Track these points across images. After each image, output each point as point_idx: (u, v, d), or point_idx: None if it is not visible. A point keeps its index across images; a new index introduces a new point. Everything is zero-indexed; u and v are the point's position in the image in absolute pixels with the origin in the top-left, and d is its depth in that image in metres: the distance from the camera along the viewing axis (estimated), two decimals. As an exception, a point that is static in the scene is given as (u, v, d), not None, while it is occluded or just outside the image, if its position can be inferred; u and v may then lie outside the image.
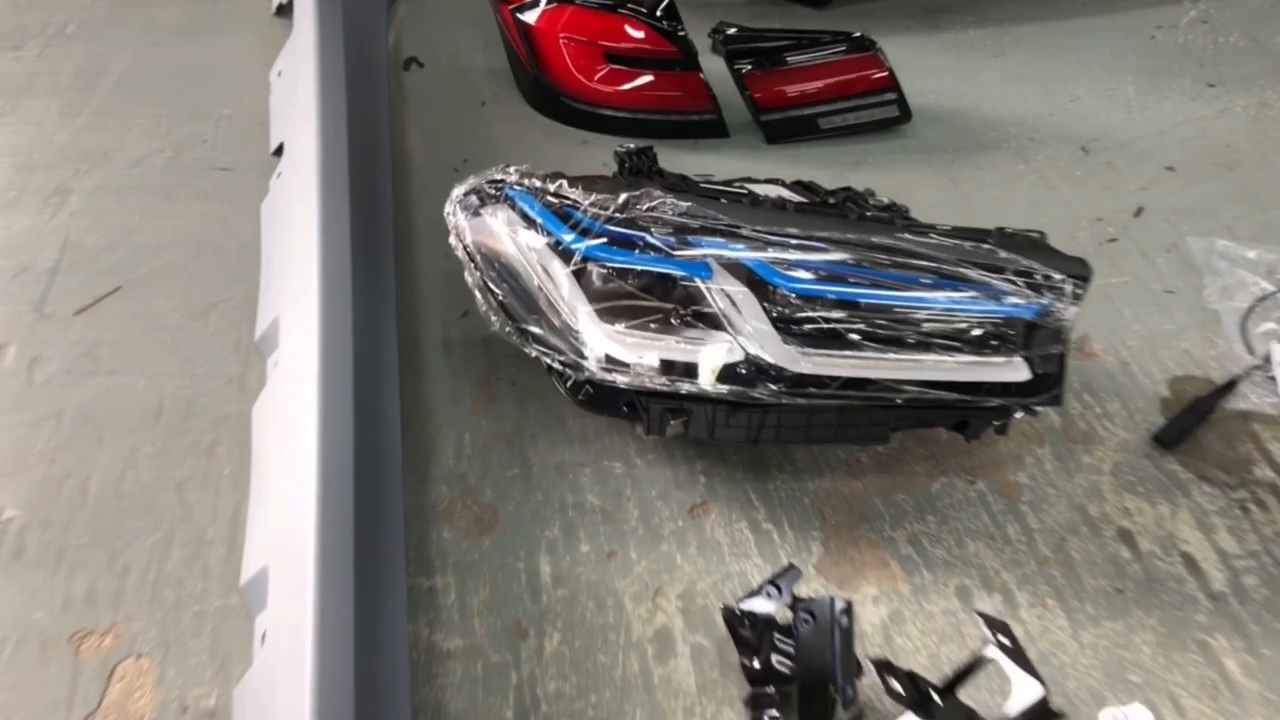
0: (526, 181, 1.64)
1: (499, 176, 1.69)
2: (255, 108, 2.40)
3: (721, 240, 1.51)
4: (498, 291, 1.59)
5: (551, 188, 1.61)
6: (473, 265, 1.66)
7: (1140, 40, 2.74)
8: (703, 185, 1.69)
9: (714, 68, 2.40)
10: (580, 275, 1.52)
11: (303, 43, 2.22)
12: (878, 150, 2.38)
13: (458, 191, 1.73)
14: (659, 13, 2.31)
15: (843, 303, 1.45)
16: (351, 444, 1.46)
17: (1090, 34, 2.77)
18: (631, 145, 1.76)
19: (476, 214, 1.67)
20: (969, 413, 1.58)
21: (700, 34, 2.42)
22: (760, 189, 1.73)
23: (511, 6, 2.41)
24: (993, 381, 1.52)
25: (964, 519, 1.62)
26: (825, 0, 2.82)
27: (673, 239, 1.50)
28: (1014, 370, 1.51)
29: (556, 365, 1.55)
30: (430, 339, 1.89)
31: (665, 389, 1.45)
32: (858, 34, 2.33)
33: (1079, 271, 1.47)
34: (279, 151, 2.22)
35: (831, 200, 1.64)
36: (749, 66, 2.32)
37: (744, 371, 1.46)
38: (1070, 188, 2.27)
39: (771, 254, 1.49)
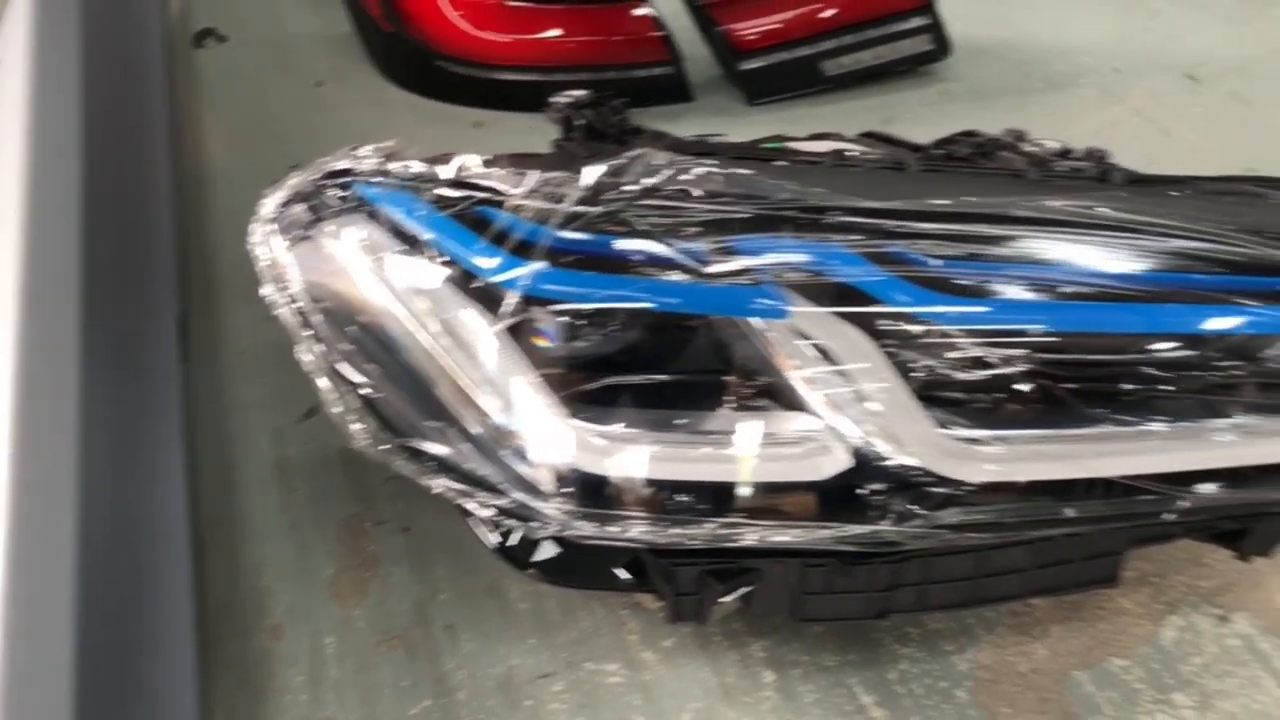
0: (396, 169, 0.87)
1: (342, 165, 0.93)
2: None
3: (797, 239, 0.76)
4: (359, 378, 0.93)
5: (446, 171, 0.85)
6: (309, 332, 0.87)
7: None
8: (725, 146, 0.95)
9: (663, 4, 1.69)
10: (520, 332, 0.88)
11: (14, 14, 1.58)
12: (912, 101, 1.74)
13: (271, 202, 1.02)
14: None
15: (1055, 336, 0.85)
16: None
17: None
18: (581, 93, 1.01)
19: (306, 238, 0.98)
20: (1263, 515, 0.86)
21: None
22: (811, 147, 1.00)
23: None
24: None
25: (1236, 693, 1.06)
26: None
27: (701, 245, 0.76)
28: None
29: (484, 513, 0.76)
30: (253, 465, 1.31)
31: (706, 543, 0.86)
32: None
33: None
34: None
35: (957, 152, 0.91)
36: None
37: (866, 492, 0.85)
38: (1192, 130, 1.67)
39: (898, 252, 0.76)
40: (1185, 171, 1.59)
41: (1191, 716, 1.04)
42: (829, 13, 1.67)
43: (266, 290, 1.08)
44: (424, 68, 1.71)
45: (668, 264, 0.86)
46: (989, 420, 0.85)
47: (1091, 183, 0.89)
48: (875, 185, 0.87)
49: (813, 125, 1.70)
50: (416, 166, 0.96)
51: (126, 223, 1.43)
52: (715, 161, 0.88)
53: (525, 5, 1.62)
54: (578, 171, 0.90)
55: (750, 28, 1.66)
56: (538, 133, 1.72)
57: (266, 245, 1.07)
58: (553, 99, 1.10)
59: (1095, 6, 1.98)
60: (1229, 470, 0.86)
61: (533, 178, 0.89)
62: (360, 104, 1.78)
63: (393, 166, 0.99)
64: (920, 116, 1.72)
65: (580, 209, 0.86)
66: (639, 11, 1.63)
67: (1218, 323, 0.82)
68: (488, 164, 0.95)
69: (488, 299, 0.90)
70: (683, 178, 0.86)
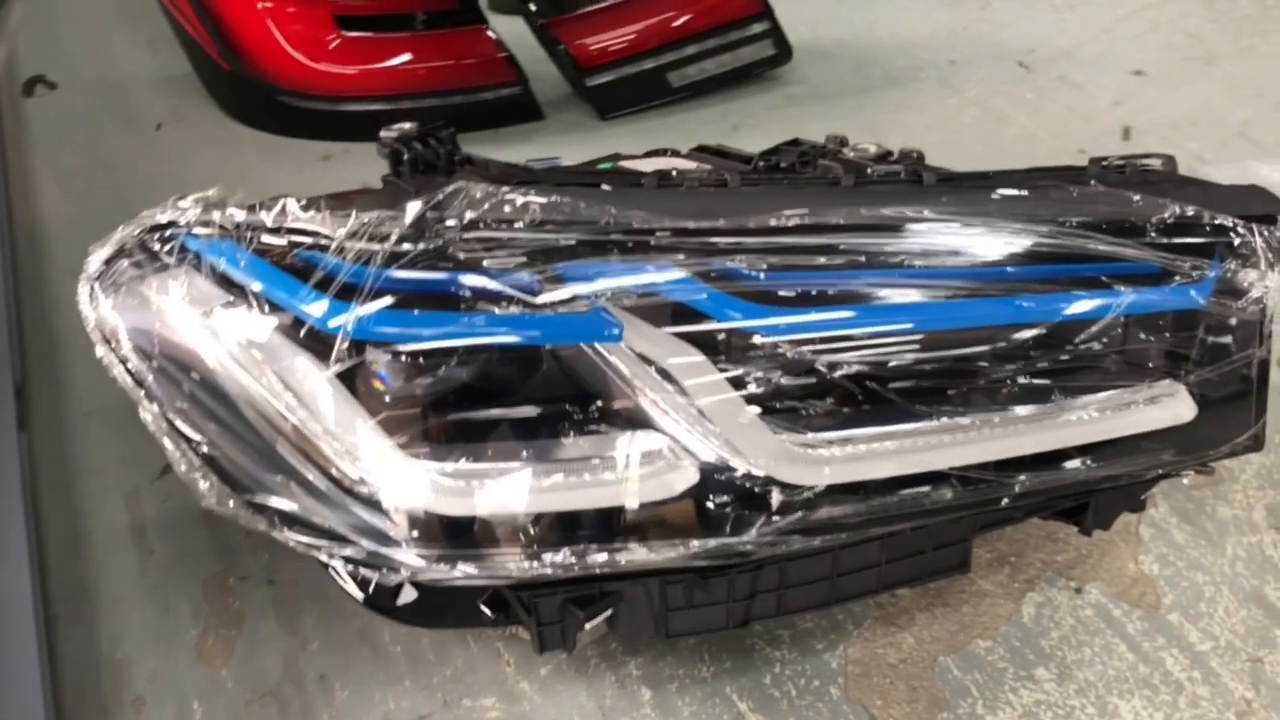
0: (219, 218, 0.85)
1: (165, 218, 0.90)
2: None
3: (624, 262, 0.77)
4: (197, 436, 0.91)
5: (269, 220, 0.83)
6: (140, 390, 0.87)
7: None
8: (550, 172, 0.94)
9: (503, 26, 1.67)
10: (355, 377, 0.85)
11: None
12: (757, 106, 1.74)
13: (97, 258, 0.95)
14: None
15: (880, 338, 0.86)
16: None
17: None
18: (405, 126, 0.99)
19: (131, 294, 0.95)
20: (1097, 491, 0.90)
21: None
22: (643, 165, 1.01)
23: None
24: (1141, 434, 0.85)
25: (1093, 661, 1.09)
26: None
27: (530, 275, 0.75)
28: (1172, 407, 0.85)
29: (337, 563, 0.76)
30: (107, 530, 1.24)
31: (562, 571, 0.84)
32: None
33: (1266, 209, 0.82)
34: None
35: (780, 162, 0.92)
36: (554, 10, 1.60)
37: (714, 505, 0.86)
38: (1027, 116, 1.71)
39: (723, 268, 0.77)
40: (1022, 155, 1.65)
41: (1053, 689, 1.07)
42: (670, 24, 1.68)
43: (98, 351, 1.04)
44: (266, 104, 1.65)
45: (497, 296, 0.85)
46: (824, 425, 0.86)
47: (904, 185, 0.91)
48: (699, 203, 0.87)
49: (664, 137, 1.72)
50: (239, 214, 0.94)
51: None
52: (537, 189, 0.87)
53: (365, 36, 1.59)
54: (399, 207, 0.89)
55: (593, 44, 1.65)
56: (386, 163, 1.68)
57: (94, 304, 1.03)
58: (381, 133, 1.08)
59: (929, 3, 2.03)
60: (1051, 454, 0.89)
61: (355, 218, 0.87)
62: (202, 145, 1.71)
63: (216, 215, 0.96)
64: (765, 121, 1.74)
65: (404, 247, 0.85)
66: (479, 34, 1.62)
67: (1027, 313, 0.85)
68: (308, 206, 0.92)
69: (319, 346, 0.87)
70: (506, 208, 0.85)
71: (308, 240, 0.92)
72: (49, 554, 1.16)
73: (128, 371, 0.99)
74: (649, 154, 1.14)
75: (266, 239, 0.93)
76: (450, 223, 0.87)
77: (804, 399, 0.88)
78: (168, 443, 0.99)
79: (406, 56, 1.60)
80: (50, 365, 1.36)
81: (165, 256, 0.98)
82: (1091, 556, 1.16)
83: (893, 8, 2.00)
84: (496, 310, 0.86)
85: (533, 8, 1.65)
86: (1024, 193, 0.89)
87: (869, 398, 0.88)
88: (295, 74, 1.61)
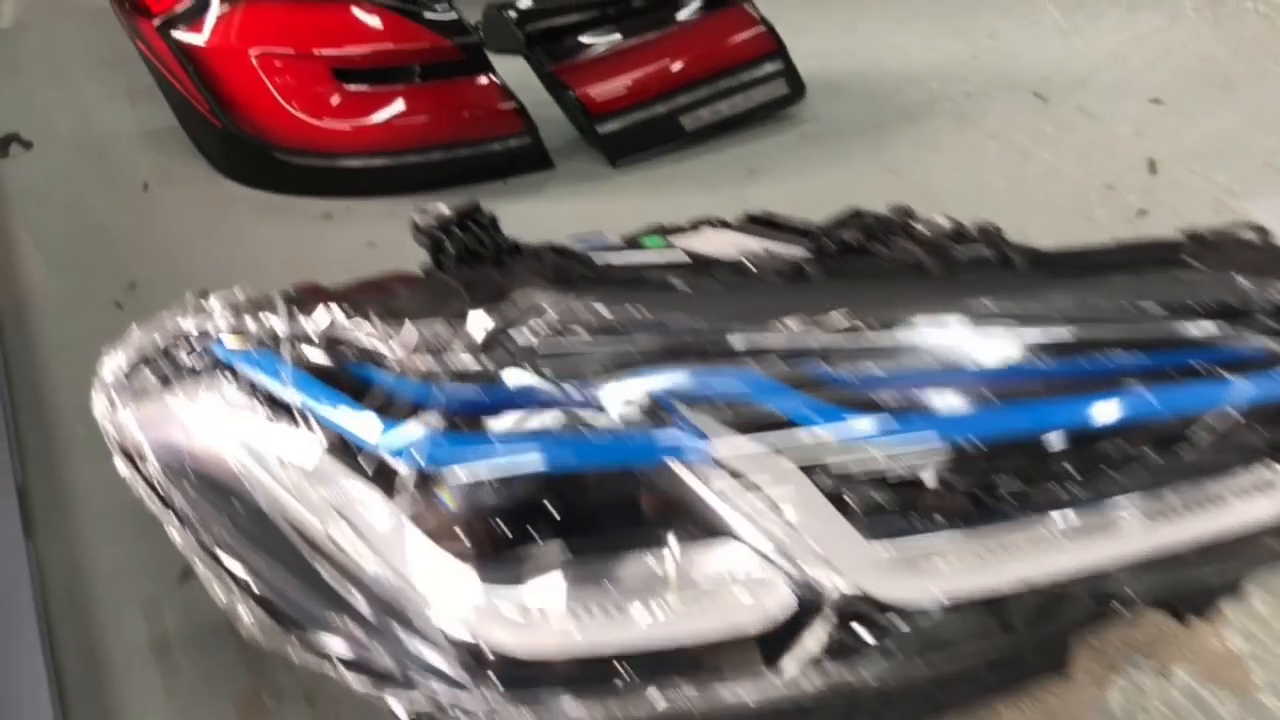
0: (254, 326, 0.78)
1: (192, 326, 0.83)
2: None
3: (707, 369, 0.71)
4: (237, 567, 0.84)
5: (312, 326, 0.76)
6: (171, 514, 0.79)
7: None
8: (598, 257, 0.88)
9: (507, 69, 1.60)
10: (416, 502, 0.78)
11: None
12: (772, 146, 1.69)
13: (112, 364, 0.95)
14: None
15: (987, 441, 0.80)
16: None
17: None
18: (443, 209, 0.93)
19: (157, 408, 0.88)
20: (1202, 580, 0.86)
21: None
22: (696, 243, 0.95)
23: (157, 21, 1.50)
24: (1254, 522, 0.81)
25: None
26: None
27: (604, 388, 0.69)
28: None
29: (400, 710, 0.68)
30: (126, 643, 1.14)
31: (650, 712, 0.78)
32: None
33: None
34: None
35: (848, 239, 0.86)
36: (561, 56, 1.53)
37: (815, 633, 0.79)
38: (1048, 150, 1.67)
39: (813, 372, 0.72)
40: (1048, 193, 1.61)
41: (1148, 783, 1.03)
42: (682, 68, 1.62)
43: (119, 465, 0.96)
44: (261, 161, 1.57)
45: (571, 414, 0.79)
46: (923, 531, 0.81)
47: (995, 270, 0.85)
48: (782, 301, 0.81)
49: (678, 183, 1.65)
50: (277, 322, 0.86)
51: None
52: (606, 296, 0.80)
53: (366, 89, 1.51)
54: (460, 316, 0.82)
55: (604, 90, 1.59)
56: (392, 220, 1.61)
57: (113, 416, 0.95)
58: (415, 217, 1.01)
59: (935, 31, 1.99)
60: (1157, 555, 0.84)
61: (411, 331, 0.80)
62: (193, 205, 1.62)
63: (249, 323, 0.89)
64: (783, 164, 1.69)
65: (469, 365, 0.78)
66: (485, 83, 1.54)
67: (1128, 410, 0.80)
68: (352, 311, 0.85)
69: (376, 470, 0.81)
70: (575, 318, 0.79)
71: (357, 350, 0.86)
72: (66, 676, 1.07)
73: (154, 491, 0.92)
74: (695, 224, 1.07)
75: (308, 350, 0.87)
76: (516, 336, 0.81)
77: (902, 508, 0.82)
78: (200, 566, 0.92)
79: (409, 109, 1.52)
80: (48, 457, 1.28)
81: (193, 365, 0.92)
82: (1173, 634, 1.11)
83: (899, 37, 1.95)
84: (574, 429, 0.80)
85: (536, 56, 1.58)
86: (1126, 277, 0.84)
87: (972, 501, 0.83)
88: (292, 130, 1.53)
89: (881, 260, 0.89)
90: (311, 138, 1.53)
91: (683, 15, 1.62)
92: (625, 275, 0.87)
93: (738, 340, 0.81)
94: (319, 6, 1.50)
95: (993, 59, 1.88)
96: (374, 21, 1.49)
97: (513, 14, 1.53)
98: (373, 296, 0.93)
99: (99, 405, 0.96)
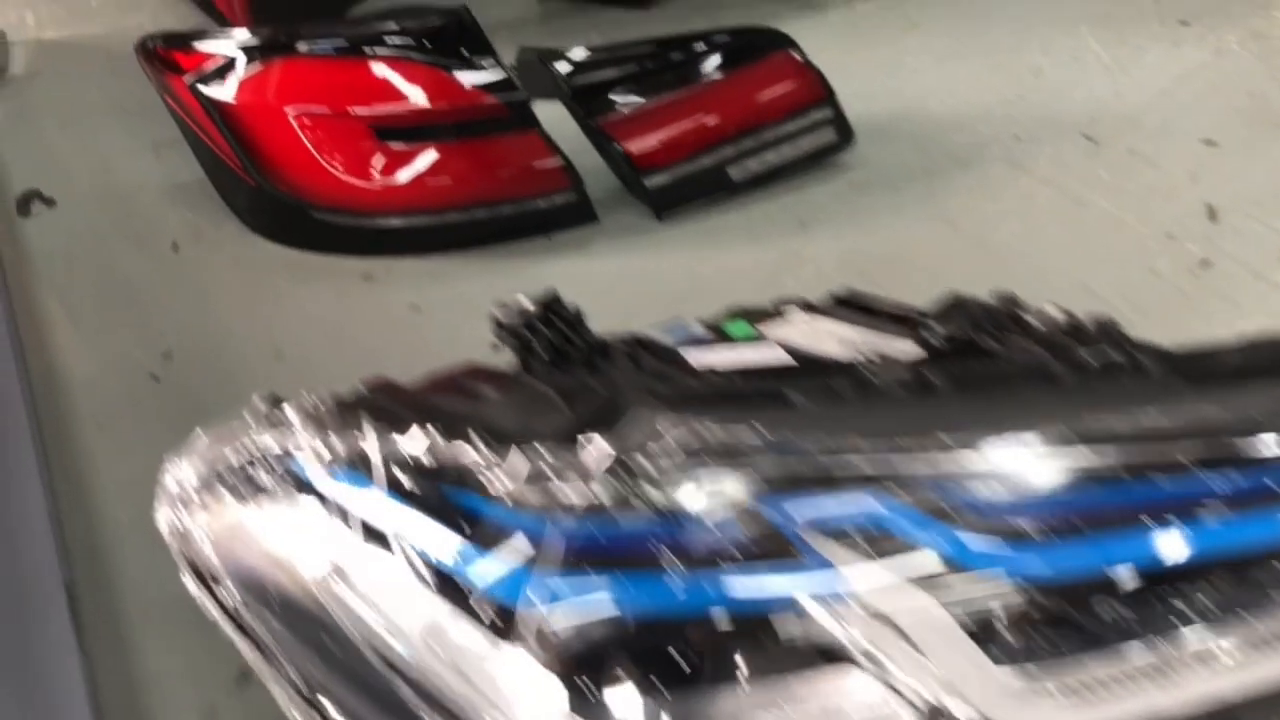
0: (340, 445, 0.74)
1: (269, 440, 0.79)
2: None
3: (836, 494, 0.68)
4: (332, 710, 0.76)
5: (406, 446, 0.71)
6: (256, 650, 0.74)
7: (1070, -19, 2.15)
8: (693, 355, 0.84)
9: (544, 114, 1.56)
10: (527, 640, 0.72)
11: None
12: (821, 196, 1.65)
13: (177, 475, 0.85)
14: (427, 40, 1.44)
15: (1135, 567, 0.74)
16: None
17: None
18: (526, 303, 0.88)
19: (235, 529, 0.85)
20: None
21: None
22: (789, 333, 0.91)
23: (188, 78, 1.45)
24: None
25: None
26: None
27: (724, 515, 0.65)
28: None
29: None
30: None
31: None
32: (759, 27, 1.55)
33: None
34: None
35: (958, 334, 0.82)
36: (607, 108, 1.49)
37: None
38: (1104, 196, 1.64)
39: (946, 498, 0.68)
40: (1109, 244, 1.57)
41: None
42: (732, 118, 1.56)
43: (187, 583, 0.91)
44: (298, 221, 1.52)
45: (695, 548, 0.74)
46: (1050, 658, 0.76)
47: (1130, 377, 0.81)
48: (909, 416, 0.77)
49: (726, 236, 1.60)
50: (365, 442, 0.81)
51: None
52: (722, 411, 0.76)
53: (408, 147, 1.45)
54: (569, 439, 0.76)
55: (652, 143, 1.53)
56: (434, 280, 1.57)
57: (182, 532, 0.90)
58: (497, 314, 0.96)
59: (978, 69, 1.94)
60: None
61: (520, 460, 0.75)
62: (226, 267, 1.56)
63: (336, 444, 0.83)
64: (835, 215, 1.63)
65: (586, 497, 0.74)
66: (533, 139, 1.48)
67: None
68: (450, 433, 0.80)
69: (484, 610, 0.76)
70: (695, 442, 0.74)
71: (456, 474, 0.81)
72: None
73: (230, 617, 0.87)
74: (779, 306, 1.02)
75: (402, 474, 0.81)
76: (634, 463, 0.76)
77: (1033, 635, 0.78)
78: (284, 699, 0.87)
79: (454, 168, 1.47)
80: (93, 550, 1.21)
81: (272, 485, 0.86)
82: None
83: (942, 76, 1.91)
84: (700, 564, 0.75)
85: (581, 109, 1.54)
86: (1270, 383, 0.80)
87: (1107, 627, 0.79)
88: (332, 189, 1.48)
89: (1003, 363, 0.85)
90: (352, 197, 1.47)
91: (731, 65, 1.57)
92: (735, 387, 0.82)
93: (865, 463, 0.76)
94: (359, 63, 1.44)
95: (1039, 99, 1.84)
96: (418, 79, 1.43)
97: (562, 68, 1.48)
98: (459, 400, 0.88)
99: (164, 518, 0.91)
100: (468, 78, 1.43)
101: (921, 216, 1.62)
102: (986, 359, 0.86)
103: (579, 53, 1.50)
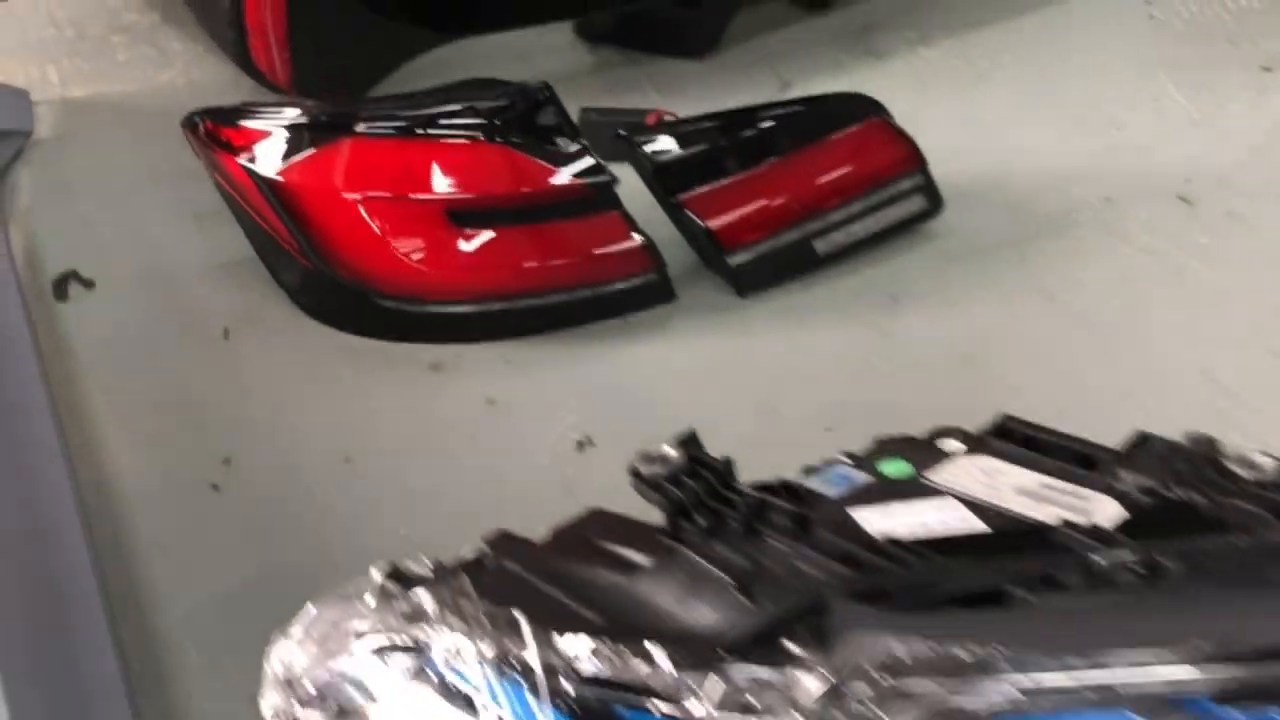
0: (490, 647, 0.64)
1: (395, 623, 0.69)
2: None
3: (1068, 714, 0.58)
4: None
5: (573, 651, 0.62)
6: None
7: (1139, 24, 2.10)
8: (865, 519, 0.75)
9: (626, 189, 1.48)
10: None
11: None
12: (912, 268, 1.56)
13: (287, 659, 0.82)
14: (499, 120, 1.35)
15: None
16: None
17: (1071, 24, 2.08)
18: (671, 453, 0.79)
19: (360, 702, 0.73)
20: None
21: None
22: (955, 476, 0.83)
23: (242, 158, 1.35)
24: None
25: None
26: (707, 48, 1.93)
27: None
28: None
29: None
30: None
31: None
32: (848, 94, 1.46)
33: None
34: None
35: (1158, 488, 0.74)
36: (690, 182, 1.40)
37: None
38: (1206, 265, 1.55)
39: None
40: (1217, 318, 1.48)
41: None
42: (820, 191, 1.47)
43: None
44: (359, 307, 1.41)
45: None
46: None
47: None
48: (1155, 619, 0.68)
49: (812, 314, 1.51)
50: (530, 653, 0.71)
51: (39, 605, 1.12)
52: (939, 618, 0.67)
53: (485, 232, 1.35)
54: (774, 659, 0.66)
55: (736, 219, 1.43)
56: (509, 370, 1.48)
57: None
58: (639, 468, 0.86)
59: (1059, 122, 1.84)
60: None
61: (715, 685, 0.66)
62: (282, 355, 1.45)
63: (483, 639, 0.74)
64: (927, 290, 1.53)
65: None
66: (615, 221, 1.38)
67: None
68: (618, 645, 0.70)
69: None
70: (920, 665, 0.65)
71: (628, 690, 0.72)
72: None
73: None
74: (934, 437, 0.93)
75: (566, 685, 0.72)
76: (851, 691, 0.67)
77: None
78: None
79: (532, 252, 1.38)
80: (160, 691, 1.11)
81: (401, 682, 0.77)
82: None
83: (1023, 132, 1.81)
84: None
85: (662, 185, 1.44)
86: None
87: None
88: (399, 276, 1.38)
89: (1235, 540, 0.76)
90: (421, 284, 1.37)
91: (819, 133, 1.48)
92: (944, 575, 0.72)
93: (1111, 677, 0.67)
94: (432, 145, 1.34)
95: (1126, 156, 1.75)
96: (496, 161, 1.33)
97: (648, 147, 1.39)
98: (605, 569, 0.79)
99: (270, 706, 0.82)
100: (550, 161, 1.33)
101: (1016, 288, 1.53)
102: (1204, 526, 0.77)
103: (666, 142, 1.40)
